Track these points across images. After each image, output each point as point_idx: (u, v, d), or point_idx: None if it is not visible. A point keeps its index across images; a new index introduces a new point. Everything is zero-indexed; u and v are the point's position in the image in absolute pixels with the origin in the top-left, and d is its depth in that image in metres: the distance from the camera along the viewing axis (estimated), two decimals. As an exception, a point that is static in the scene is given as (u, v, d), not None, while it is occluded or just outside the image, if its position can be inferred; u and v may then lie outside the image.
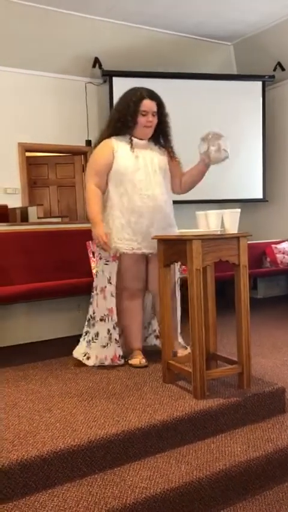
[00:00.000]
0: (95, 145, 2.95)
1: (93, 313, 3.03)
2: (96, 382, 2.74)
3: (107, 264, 2.95)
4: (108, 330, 2.96)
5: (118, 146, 2.85)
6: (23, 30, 5.37)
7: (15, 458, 1.86)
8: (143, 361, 2.98)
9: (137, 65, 5.93)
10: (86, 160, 6.38)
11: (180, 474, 1.96)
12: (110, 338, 2.96)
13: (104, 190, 2.89)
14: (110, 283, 2.93)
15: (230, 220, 2.50)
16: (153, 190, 2.85)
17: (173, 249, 2.54)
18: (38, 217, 5.26)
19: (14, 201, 5.72)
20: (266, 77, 6.24)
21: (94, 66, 5.94)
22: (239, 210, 2.54)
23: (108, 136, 2.89)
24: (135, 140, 2.88)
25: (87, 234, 3.98)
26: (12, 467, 1.84)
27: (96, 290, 3.01)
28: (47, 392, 2.61)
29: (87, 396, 2.51)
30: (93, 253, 3.78)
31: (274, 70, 6.21)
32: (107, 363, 2.98)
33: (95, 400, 2.45)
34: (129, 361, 3.01)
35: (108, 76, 5.92)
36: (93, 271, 3.77)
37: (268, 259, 5.52)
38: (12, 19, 5.23)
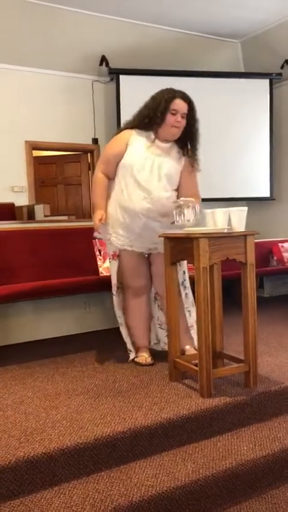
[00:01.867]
0: (115, 134, 2.91)
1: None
2: (103, 380, 2.74)
3: (110, 262, 2.99)
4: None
5: (135, 140, 2.79)
6: (29, 28, 5.38)
7: (22, 455, 1.87)
8: (149, 359, 2.98)
9: (144, 63, 5.92)
10: (93, 159, 6.42)
11: (186, 472, 1.96)
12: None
13: (113, 178, 2.87)
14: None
15: (237, 219, 2.48)
16: (154, 193, 2.75)
17: (179, 247, 2.54)
18: (45, 215, 5.26)
19: (21, 199, 5.73)
20: (274, 74, 6.21)
21: (101, 64, 5.94)
22: (246, 208, 2.53)
23: (131, 128, 2.83)
24: (156, 141, 2.78)
25: (93, 232, 4.00)
26: (19, 464, 1.85)
27: None
28: (53, 389, 2.62)
29: (93, 394, 2.52)
30: (100, 251, 3.78)
31: (281, 68, 6.18)
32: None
33: (102, 398, 2.45)
34: (136, 359, 3.02)
35: (115, 74, 5.93)
36: (100, 269, 3.77)
37: (275, 257, 5.49)
38: (19, 17, 5.24)
